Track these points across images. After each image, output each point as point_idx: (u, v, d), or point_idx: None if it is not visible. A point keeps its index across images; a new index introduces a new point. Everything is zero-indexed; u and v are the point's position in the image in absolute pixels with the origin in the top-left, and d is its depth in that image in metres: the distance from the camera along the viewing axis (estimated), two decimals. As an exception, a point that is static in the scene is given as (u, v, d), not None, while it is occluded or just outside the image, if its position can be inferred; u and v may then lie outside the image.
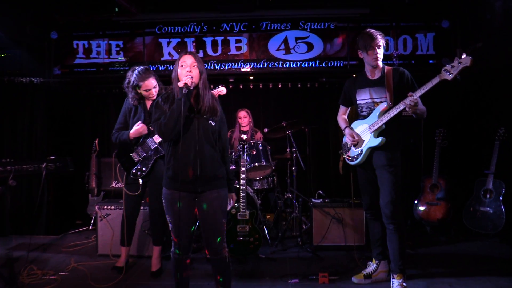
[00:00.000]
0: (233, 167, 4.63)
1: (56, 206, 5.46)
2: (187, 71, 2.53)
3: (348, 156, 3.45)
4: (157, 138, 3.54)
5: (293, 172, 4.79)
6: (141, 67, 3.59)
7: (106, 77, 5.47)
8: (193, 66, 2.56)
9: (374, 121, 3.20)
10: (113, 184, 5.12)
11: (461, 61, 2.82)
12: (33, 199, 5.18)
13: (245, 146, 4.42)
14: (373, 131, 3.20)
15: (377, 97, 3.23)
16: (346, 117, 3.59)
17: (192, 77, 2.52)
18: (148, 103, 3.65)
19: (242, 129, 5.36)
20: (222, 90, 3.66)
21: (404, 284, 3.17)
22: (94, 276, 3.63)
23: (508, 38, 4.36)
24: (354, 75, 3.50)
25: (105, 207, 4.23)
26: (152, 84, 3.54)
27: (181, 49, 5.31)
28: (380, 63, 3.24)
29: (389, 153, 3.18)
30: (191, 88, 2.50)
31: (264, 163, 4.61)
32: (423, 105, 3.13)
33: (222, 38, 5.34)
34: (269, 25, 5.28)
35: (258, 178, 4.89)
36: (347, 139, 3.42)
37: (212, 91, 3.00)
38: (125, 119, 3.67)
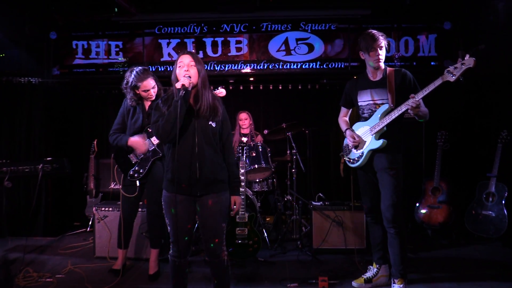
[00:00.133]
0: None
1: (54, 207, 5.42)
2: (185, 70, 2.49)
3: (349, 158, 3.40)
4: (155, 140, 3.50)
5: (293, 174, 4.75)
6: (140, 67, 3.55)
7: (105, 77, 5.42)
8: (191, 65, 2.51)
9: (375, 123, 3.16)
10: (112, 186, 5.07)
11: (464, 62, 2.78)
12: (30, 200, 5.14)
13: (245, 148, 4.39)
14: (374, 133, 3.16)
15: (379, 99, 3.18)
16: (347, 119, 3.55)
17: (190, 77, 2.48)
18: (147, 104, 3.61)
19: (243, 131, 5.30)
20: (221, 92, 3.63)
21: (405, 289, 3.12)
22: (91, 279, 3.59)
23: (511, 40, 4.31)
24: (355, 77, 3.46)
25: (103, 209, 4.19)
26: (150, 85, 3.50)
27: (181, 49, 5.25)
28: (382, 64, 3.19)
29: (390, 155, 3.13)
30: (189, 89, 2.46)
31: (263, 165, 4.56)
32: (425, 107, 3.09)
33: (222, 39, 5.29)
34: (269, 26, 5.24)
35: (257, 180, 4.84)
36: (348, 141, 3.37)
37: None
38: (123, 120, 3.63)
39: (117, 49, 5.39)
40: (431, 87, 2.89)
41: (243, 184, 3.91)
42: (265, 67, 5.25)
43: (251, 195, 4.48)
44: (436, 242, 4.58)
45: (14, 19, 4.99)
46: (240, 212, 3.88)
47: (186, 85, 2.43)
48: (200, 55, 5.22)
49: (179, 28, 5.30)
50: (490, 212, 4.40)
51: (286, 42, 5.24)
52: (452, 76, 2.81)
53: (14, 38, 5.05)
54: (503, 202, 4.34)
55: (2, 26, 4.87)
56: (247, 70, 5.28)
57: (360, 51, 3.24)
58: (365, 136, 3.24)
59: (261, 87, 5.78)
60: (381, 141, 3.11)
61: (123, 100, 3.68)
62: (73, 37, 5.41)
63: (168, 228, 2.63)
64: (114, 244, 3.87)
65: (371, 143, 3.18)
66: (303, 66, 5.22)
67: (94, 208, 4.22)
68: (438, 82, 2.87)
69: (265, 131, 5.09)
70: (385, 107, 3.13)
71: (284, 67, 5.24)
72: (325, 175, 5.89)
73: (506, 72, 4.60)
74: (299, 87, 5.75)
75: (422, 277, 3.53)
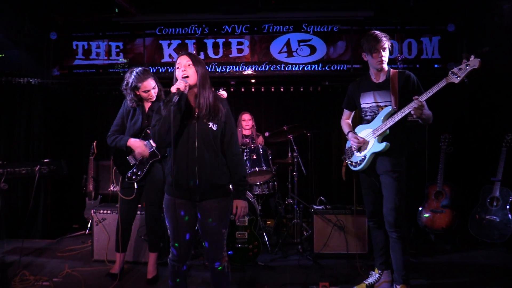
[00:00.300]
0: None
1: (53, 209, 5.38)
2: (182, 71, 2.45)
3: (351, 161, 3.35)
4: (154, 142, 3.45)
5: (294, 177, 4.69)
6: (140, 68, 3.52)
7: (106, 78, 5.39)
8: (188, 65, 2.46)
9: (378, 126, 3.10)
10: (111, 188, 5.01)
11: (469, 63, 2.72)
12: (29, 202, 5.09)
13: (245, 150, 4.33)
14: (377, 136, 3.10)
15: (382, 101, 3.13)
16: (350, 121, 3.50)
17: (187, 78, 2.43)
18: (147, 106, 3.57)
19: (244, 132, 5.26)
20: (222, 94, 3.58)
21: (408, 295, 3.06)
22: (88, 283, 3.55)
23: (516, 42, 4.27)
24: (357, 79, 3.40)
25: (101, 211, 4.14)
26: (151, 85, 3.46)
27: (182, 51, 5.22)
28: (385, 66, 3.14)
29: (393, 158, 3.08)
30: (185, 92, 2.41)
31: (264, 168, 4.51)
32: (429, 110, 3.03)
33: (224, 40, 5.25)
34: (271, 27, 5.19)
35: (258, 183, 4.78)
36: (351, 142, 3.32)
37: None
38: (122, 122, 3.58)
39: (118, 50, 5.36)
40: (435, 89, 2.84)
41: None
42: (266, 69, 5.21)
43: (251, 198, 4.42)
44: (439, 247, 4.51)
45: (14, 19, 4.96)
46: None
47: (181, 88, 2.38)
48: (201, 56, 5.18)
49: (180, 29, 5.26)
50: (494, 217, 4.33)
51: (288, 43, 5.19)
52: (457, 77, 2.76)
53: (13, 38, 5.02)
54: (508, 207, 4.27)
55: (1, 26, 4.83)
56: (248, 71, 5.23)
57: (363, 52, 3.19)
58: (367, 139, 3.19)
59: (262, 89, 5.73)
60: (384, 144, 3.06)
61: (123, 101, 3.64)
62: (73, 38, 5.38)
63: (168, 231, 2.58)
64: (112, 247, 3.81)
65: (373, 146, 3.13)
66: (305, 68, 5.17)
67: (92, 210, 4.17)
68: (442, 84, 2.81)
69: (266, 134, 5.04)
70: (388, 109, 3.08)
71: (286, 69, 5.19)
72: (326, 178, 5.83)
73: (511, 75, 4.54)
74: (301, 89, 5.70)
75: (425, 283, 3.47)
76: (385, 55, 3.09)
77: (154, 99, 3.52)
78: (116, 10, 5.10)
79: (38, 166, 3.43)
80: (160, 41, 5.30)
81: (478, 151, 4.97)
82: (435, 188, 4.64)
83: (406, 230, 3.08)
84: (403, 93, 3.06)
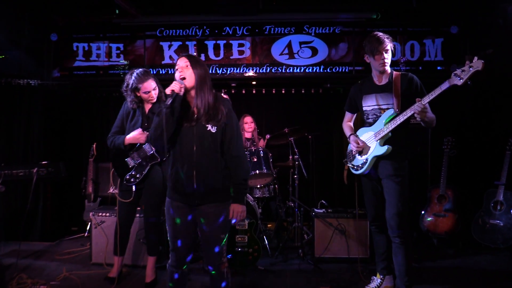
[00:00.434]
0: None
1: (53, 211, 5.34)
2: (179, 72, 2.41)
3: (352, 165, 3.30)
4: (154, 144, 3.41)
5: (295, 180, 4.64)
6: (140, 69, 3.48)
7: (106, 80, 5.36)
8: (186, 66, 2.42)
9: (380, 129, 3.06)
10: (110, 190, 4.95)
11: (472, 65, 2.66)
12: (28, 204, 5.06)
13: (246, 153, 4.28)
14: (379, 139, 3.06)
15: (384, 104, 3.08)
16: (351, 124, 3.45)
17: (182, 81, 2.39)
18: (147, 107, 3.53)
19: (246, 135, 5.23)
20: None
21: (410, 301, 3.00)
22: (86, 286, 3.51)
23: (520, 44, 4.22)
24: (359, 81, 3.36)
25: (100, 214, 4.10)
26: (151, 86, 3.43)
27: (183, 52, 5.19)
28: (388, 68, 3.10)
29: (396, 162, 3.03)
30: (180, 93, 2.37)
31: (265, 171, 4.47)
32: (432, 113, 2.98)
33: (225, 41, 5.22)
34: (272, 29, 5.16)
35: (258, 186, 4.75)
36: (351, 146, 3.27)
37: None
38: (122, 123, 3.55)
39: (118, 51, 5.33)
40: (437, 91, 2.78)
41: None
42: (267, 71, 5.17)
43: (252, 201, 4.38)
44: (442, 252, 4.45)
45: (14, 20, 4.94)
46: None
47: (176, 90, 2.35)
48: (202, 58, 5.15)
49: (181, 30, 5.23)
50: (498, 221, 4.27)
51: (289, 45, 5.16)
52: (460, 79, 2.71)
53: (14, 39, 4.99)
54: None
55: (2, 28, 4.81)
56: (249, 73, 5.19)
57: (365, 54, 3.15)
58: (369, 142, 3.14)
59: (263, 91, 5.70)
60: (385, 147, 3.01)
61: (123, 102, 3.60)
62: (73, 39, 5.35)
63: (168, 235, 2.55)
64: (111, 250, 3.77)
65: (375, 149, 3.08)
66: (307, 70, 5.13)
67: (91, 213, 4.13)
68: (445, 86, 2.76)
69: (267, 136, 4.99)
70: (390, 112, 3.03)
71: (287, 70, 5.15)
72: (328, 181, 5.79)
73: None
74: (302, 91, 5.67)
75: (427, 288, 3.41)
76: (388, 57, 3.05)
77: (155, 100, 3.49)
78: (117, 11, 5.08)
79: (36, 168, 3.40)
80: (161, 43, 5.27)
81: (481, 154, 4.92)
82: (437, 192, 4.58)
83: (409, 235, 3.03)
84: (405, 95, 3.01)
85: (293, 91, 5.68)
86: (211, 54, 5.22)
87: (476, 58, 2.67)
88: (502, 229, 4.23)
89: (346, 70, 5.10)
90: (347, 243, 4.05)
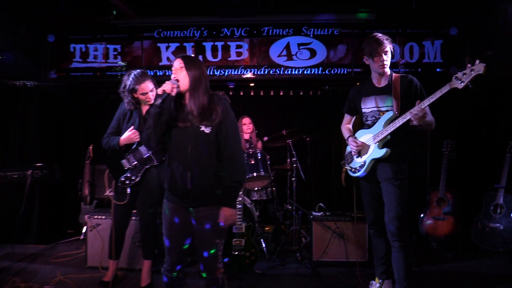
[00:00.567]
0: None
1: (49, 214, 5.28)
2: (173, 73, 2.39)
3: (350, 167, 3.26)
4: (150, 146, 3.37)
5: (293, 183, 4.60)
6: (138, 70, 3.45)
7: (103, 81, 5.33)
8: (180, 68, 2.40)
9: (379, 131, 3.02)
10: (107, 193, 4.87)
11: (474, 68, 2.63)
12: (24, 206, 5.00)
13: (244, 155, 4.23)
14: (378, 142, 3.02)
15: (383, 106, 3.05)
16: (350, 126, 3.42)
17: (178, 81, 2.36)
18: (144, 108, 3.49)
19: (244, 137, 5.18)
20: None
21: (410, 306, 2.96)
22: (80, 290, 3.46)
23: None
24: (358, 83, 3.32)
25: (96, 216, 4.06)
26: (149, 88, 3.39)
27: (180, 54, 5.14)
28: (388, 70, 3.06)
29: (395, 165, 2.99)
30: (171, 94, 2.34)
31: (262, 173, 4.43)
32: (432, 116, 2.95)
33: (222, 43, 5.18)
34: (270, 30, 5.12)
35: (256, 188, 4.71)
36: (350, 146, 3.23)
37: None
38: (118, 124, 3.50)
39: (115, 52, 5.29)
40: (438, 94, 2.74)
41: (240, 193, 3.76)
42: (266, 73, 5.13)
43: (249, 204, 4.34)
44: (441, 255, 4.41)
45: (11, 21, 4.90)
46: (237, 222, 3.73)
47: (167, 90, 2.33)
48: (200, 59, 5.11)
49: (179, 32, 5.20)
50: (498, 225, 4.23)
51: (287, 47, 5.12)
52: (461, 82, 2.67)
53: (10, 40, 4.95)
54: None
55: (-1, 29, 4.78)
56: (247, 75, 5.16)
57: (364, 56, 3.11)
58: (368, 144, 3.10)
59: (261, 93, 5.67)
60: (384, 150, 2.97)
61: (120, 103, 3.56)
62: (71, 40, 5.32)
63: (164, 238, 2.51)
64: (106, 254, 3.70)
65: (374, 152, 3.04)
66: (305, 72, 5.09)
67: (86, 216, 4.09)
68: (445, 89, 2.72)
69: (265, 138, 4.95)
70: (389, 114, 2.99)
71: (286, 72, 5.11)
72: (326, 184, 5.75)
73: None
74: (301, 93, 5.64)
75: (427, 293, 3.38)
76: (387, 59, 3.01)
77: (152, 102, 3.44)
78: (114, 12, 5.02)
79: (30, 171, 3.36)
80: (159, 44, 5.23)
81: (481, 157, 4.88)
82: (437, 195, 4.54)
83: (408, 239, 2.98)
84: (405, 98, 2.97)
85: (291, 93, 5.64)
86: (209, 56, 5.18)
87: (478, 61, 2.64)
88: (502, 232, 4.19)
89: (345, 72, 5.07)
90: (345, 246, 4.01)
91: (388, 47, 2.99)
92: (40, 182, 3.48)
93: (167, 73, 5.15)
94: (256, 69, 5.14)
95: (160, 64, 5.22)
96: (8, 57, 5.04)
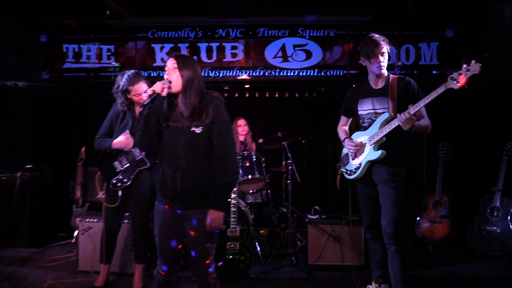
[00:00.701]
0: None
1: (40, 216, 5.19)
2: (166, 74, 2.35)
3: (346, 169, 3.21)
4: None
5: (288, 185, 4.55)
6: (131, 71, 3.40)
7: (96, 82, 5.24)
8: (173, 69, 2.35)
9: (374, 133, 2.97)
10: (99, 195, 4.82)
11: (470, 68, 2.59)
12: (15, 209, 4.91)
13: (238, 157, 4.19)
14: (374, 144, 2.97)
15: (380, 108, 3.00)
16: (347, 128, 3.38)
17: (167, 83, 2.32)
18: (138, 110, 3.42)
19: (240, 138, 5.13)
20: None
21: (407, 311, 2.91)
22: (71, 295, 3.38)
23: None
24: (353, 85, 3.28)
25: (87, 219, 3.98)
26: (142, 89, 3.33)
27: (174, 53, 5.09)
28: (385, 72, 3.02)
29: (391, 167, 2.94)
30: (162, 94, 2.30)
31: (257, 176, 4.38)
32: (428, 119, 2.91)
33: (217, 44, 5.12)
34: (266, 31, 5.07)
35: (251, 191, 4.65)
36: (347, 148, 3.18)
37: None
38: (110, 125, 3.44)
39: (109, 53, 5.22)
40: (433, 95, 2.71)
41: (235, 196, 3.71)
42: (261, 74, 5.08)
43: (244, 207, 4.28)
44: (437, 259, 4.37)
45: (3, 21, 4.82)
46: (231, 226, 3.67)
47: (157, 91, 2.28)
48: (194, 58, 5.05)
49: (173, 32, 5.14)
50: (495, 228, 4.20)
51: (283, 48, 5.07)
52: (456, 83, 2.63)
53: (2, 40, 4.87)
54: (509, 217, 4.15)
55: (-11, 28, 4.70)
56: (242, 76, 5.10)
57: (361, 57, 3.07)
58: (363, 146, 3.05)
59: (256, 95, 5.62)
60: (379, 152, 2.93)
61: (113, 104, 3.50)
62: (63, 40, 5.23)
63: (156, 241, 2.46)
64: (98, 258, 3.64)
65: (369, 153, 3.00)
66: (301, 74, 5.05)
67: (78, 219, 4.01)
68: (441, 90, 2.68)
69: (260, 140, 4.90)
70: (385, 116, 2.95)
71: (281, 74, 5.06)
72: (322, 187, 5.70)
73: (512, 81, 4.45)
74: (296, 95, 5.59)
75: (423, 297, 3.33)
76: (384, 60, 2.98)
77: (146, 103, 3.38)
78: (108, 12, 4.97)
79: (19, 173, 3.28)
80: (153, 45, 5.17)
81: (477, 160, 4.86)
82: (433, 198, 4.51)
83: (405, 242, 2.94)
84: (402, 99, 2.93)
85: (286, 95, 5.60)
86: (204, 57, 5.13)
87: (473, 61, 2.60)
88: (498, 235, 4.16)
89: (341, 73, 5.03)
90: (341, 250, 3.96)
91: (385, 48, 2.96)
92: (30, 184, 3.40)
93: (161, 74, 5.09)
94: (251, 71, 5.09)
95: (154, 65, 5.16)
96: (1, 58, 4.96)
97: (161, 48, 5.17)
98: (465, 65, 2.62)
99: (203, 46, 5.14)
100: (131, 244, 3.72)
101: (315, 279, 3.78)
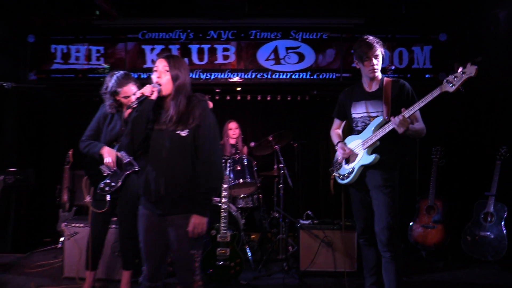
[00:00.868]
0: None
1: (26, 221, 5.06)
2: (157, 77, 2.26)
3: (339, 174, 3.15)
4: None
5: (280, 190, 4.47)
6: (121, 72, 3.32)
7: (85, 84, 5.15)
8: (165, 72, 2.27)
9: (368, 137, 2.92)
10: (87, 199, 4.70)
11: (465, 71, 2.54)
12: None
13: (229, 161, 4.13)
14: (367, 148, 2.92)
15: (374, 111, 2.94)
16: (340, 131, 3.31)
17: (157, 86, 2.24)
18: (127, 112, 3.33)
19: (231, 141, 5.05)
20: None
21: (401, 319, 2.84)
22: (55, 303, 3.27)
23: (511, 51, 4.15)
24: (347, 88, 3.22)
25: (74, 224, 3.87)
26: (131, 91, 3.25)
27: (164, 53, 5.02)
28: (379, 74, 2.97)
29: (385, 172, 2.88)
30: (150, 97, 2.22)
31: (248, 180, 4.31)
32: (423, 122, 2.86)
33: (209, 46, 5.06)
34: (258, 33, 5.02)
35: (242, 195, 4.57)
36: (338, 153, 3.12)
37: None
38: (97, 127, 3.34)
39: (98, 54, 5.14)
40: (428, 98, 2.66)
41: (225, 200, 3.62)
42: (253, 76, 5.03)
43: (234, 212, 4.20)
44: (430, 265, 4.33)
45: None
46: (221, 231, 3.59)
47: (146, 93, 2.21)
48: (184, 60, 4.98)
49: (164, 33, 5.07)
50: (488, 233, 4.16)
51: (275, 50, 5.03)
52: (452, 86, 2.58)
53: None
54: (502, 222, 4.11)
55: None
56: (234, 79, 5.04)
57: (354, 60, 3.01)
58: (357, 150, 3.00)
59: (248, 98, 5.55)
60: (373, 156, 2.87)
61: (101, 105, 3.41)
62: (52, 41, 5.14)
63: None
64: (84, 264, 3.53)
65: (362, 158, 2.94)
66: (293, 76, 5.00)
67: (63, 223, 3.90)
68: (436, 93, 2.63)
69: (252, 144, 4.82)
70: (379, 119, 2.90)
71: (273, 76, 5.02)
72: (314, 191, 5.65)
73: (506, 85, 4.42)
74: (288, 98, 5.54)
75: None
76: (378, 63, 2.92)
77: (135, 105, 3.30)
78: (97, 12, 4.88)
79: (2, 176, 3.17)
80: (143, 46, 5.09)
81: (471, 165, 4.83)
82: (426, 203, 4.47)
83: (399, 249, 2.88)
84: (396, 103, 2.88)
85: (278, 98, 5.54)
86: (195, 59, 5.06)
87: (469, 64, 2.55)
88: (492, 241, 4.12)
89: (334, 76, 4.99)
90: (333, 256, 3.89)
91: (379, 50, 2.91)
92: (13, 188, 3.28)
93: (151, 76, 4.99)
94: (243, 73, 5.04)
95: (145, 66, 5.08)
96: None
97: (152, 50, 5.09)
98: (460, 68, 2.57)
99: (194, 47, 5.07)
100: (118, 250, 3.62)
101: (307, 286, 3.71)
